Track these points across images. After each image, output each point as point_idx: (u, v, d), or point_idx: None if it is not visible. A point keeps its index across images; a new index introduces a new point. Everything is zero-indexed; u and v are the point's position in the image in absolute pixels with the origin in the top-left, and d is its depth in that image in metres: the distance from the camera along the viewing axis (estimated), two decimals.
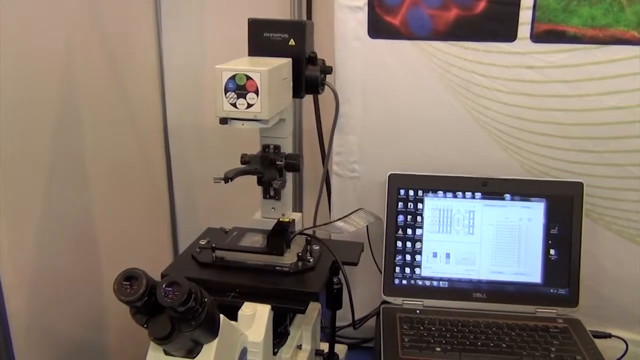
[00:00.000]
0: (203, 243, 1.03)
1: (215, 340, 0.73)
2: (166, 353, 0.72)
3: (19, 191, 0.97)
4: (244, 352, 0.83)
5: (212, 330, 0.72)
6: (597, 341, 0.99)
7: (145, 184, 1.44)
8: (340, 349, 1.20)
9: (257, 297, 0.89)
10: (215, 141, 1.50)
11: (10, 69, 0.92)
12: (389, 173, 1.09)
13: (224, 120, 0.91)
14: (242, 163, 1.03)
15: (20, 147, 0.97)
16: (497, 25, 1.04)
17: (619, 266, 1.11)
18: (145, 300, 0.64)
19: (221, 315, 0.74)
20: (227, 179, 0.92)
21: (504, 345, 0.96)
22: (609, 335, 1.06)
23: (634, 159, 1.06)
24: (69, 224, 1.12)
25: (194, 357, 0.72)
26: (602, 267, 1.11)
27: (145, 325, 0.67)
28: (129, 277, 0.64)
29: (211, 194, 1.52)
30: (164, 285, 0.63)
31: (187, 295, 0.63)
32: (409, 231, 1.09)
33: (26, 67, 0.98)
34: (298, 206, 1.45)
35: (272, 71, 0.89)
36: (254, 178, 1.03)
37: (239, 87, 0.88)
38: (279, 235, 0.99)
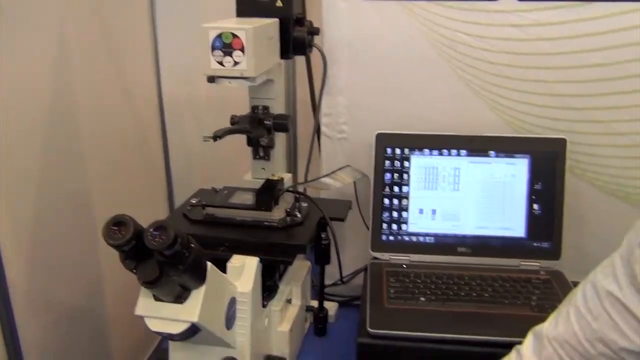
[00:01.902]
0: (194, 202, 1.06)
1: (203, 287, 0.76)
2: (156, 299, 0.75)
3: (17, 160, 0.99)
4: (232, 302, 0.86)
5: (200, 276, 0.75)
6: None
7: (142, 155, 1.46)
8: (331, 306, 1.24)
9: (246, 250, 0.92)
10: (210, 112, 1.51)
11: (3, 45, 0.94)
12: (376, 132, 1.11)
13: (211, 79, 0.93)
14: (231, 124, 1.05)
15: (17, 119, 0.98)
16: None
17: (601, 220, 1.14)
18: (133, 245, 0.67)
19: (208, 263, 0.77)
20: (216, 137, 0.94)
21: (486, 295, 0.99)
22: None
23: (617, 116, 1.08)
24: (66, 193, 1.13)
25: (183, 302, 0.75)
26: (585, 221, 1.14)
27: (134, 270, 0.70)
28: (118, 223, 0.67)
29: (207, 164, 1.54)
30: (151, 229, 0.66)
31: (173, 239, 0.66)
32: (396, 189, 1.11)
33: (19, 42, 0.99)
34: (293, 169, 1.47)
35: (257, 29, 0.91)
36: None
37: (225, 45, 0.90)
38: (267, 192, 1.01)
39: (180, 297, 0.75)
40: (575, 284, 1.04)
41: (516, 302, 0.97)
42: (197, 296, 0.75)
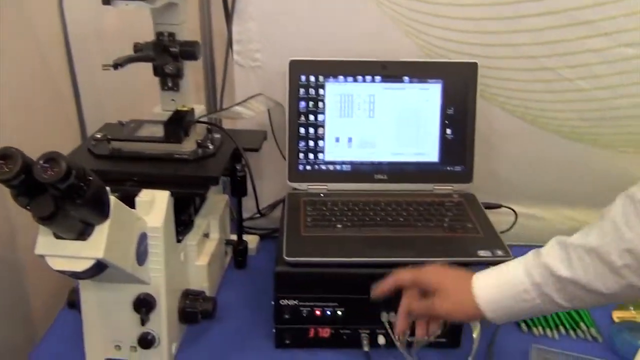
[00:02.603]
0: (99, 136, 1.00)
1: (107, 222, 0.72)
2: (57, 237, 0.71)
3: None
4: (143, 237, 0.83)
5: (102, 210, 0.71)
6: (489, 212, 1.06)
7: (50, 93, 1.36)
8: (252, 240, 1.23)
9: (156, 184, 0.89)
10: (119, 45, 1.41)
11: None
12: (289, 59, 1.08)
13: (106, 1, 0.87)
14: (134, 52, 0.99)
15: None
16: None
17: (511, 143, 1.17)
18: (24, 180, 0.62)
19: (112, 197, 0.73)
20: (117, 65, 0.89)
21: (401, 219, 1.01)
22: (499, 206, 1.13)
23: (525, 39, 1.09)
24: None
25: (86, 239, 0.71)
26: (496, 144, 1.17)
27: (28, 207, 0.65)
28: (4, 156, 0.61)
29: (121, 100, 1.45)
30: (40, 162, 0.61)
31: (66, 171, 0.61)
32: (311, 117, 1.09)
33: None
34: (212, 101, 1.41)
35: None
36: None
37: None
38: (176, 124, 0.97)
39: (83, 234, 0.71)
40: (487, 205, 1.09)
41: (429, 224, 1.00)
42: (101, 232, 0.71)
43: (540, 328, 1.02)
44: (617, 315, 1.05)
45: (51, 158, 0.61)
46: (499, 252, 0.92)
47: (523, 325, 1.02)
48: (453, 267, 0.83)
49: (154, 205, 0.85)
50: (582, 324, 1.02)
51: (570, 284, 0.71)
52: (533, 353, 0.95)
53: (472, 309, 0.77)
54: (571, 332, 1.02)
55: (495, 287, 0.76)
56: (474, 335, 0.96)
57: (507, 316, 0.77)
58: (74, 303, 0.90)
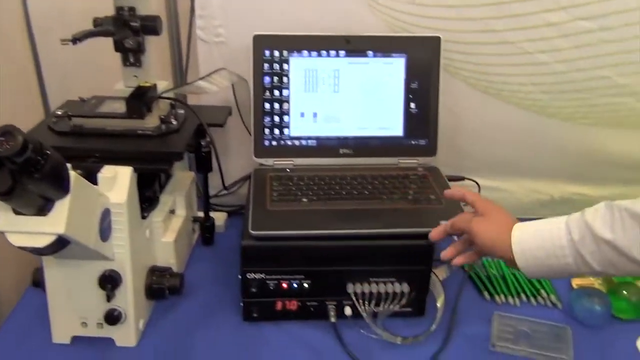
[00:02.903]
0: (60, 113, 0.98)
1: (68, 197, 0.71)
2: (16, 212, 0.70)
3: None
4: (106, 213, 0.83)
5: (61, 185, 0.70)
6: (452, 184, 1.07)
7: (11, 71, 1.32)
8: (220, 217, 1.23)
9: (119, 160, 0.88)
10: (82, 22, 1.38)
11: None
12: (253, 34, 1.07)
13: None
14: (94, 27, 0.97)
15: None
16: None
17: (474, 117, 1.19)
18: None
19: (72, 172, 0.72)
20: (75, 39, 0.88)
21: (366, 192, 1.02)
22: (462, 178, 1.16)
23: (490, 12, 1.10)
24: None
25: (46, 214, 0.71)
26: (459, 118, 1.19)
27: None
28: None
29: (84, 78, 1.42)
30: None
31: (22, 144, 0.61)
32: (276, 92, 1.09)
33: None
34: (178, 78, 1.39)
35: None
36: None
37: None
38: (138, 99, 0.96)
39: (43, 210, 0.70)
40: (450, 177, 1.11)
41: (394, 196, 1.01)
42: (62, 207, 0.71)
43: (502, 296, 1.04)
44: (576, 282, 1.08)
45: (7, 131, 0.61)
46: None
47: (486, 294, 1.05)
48: (499, 211, 0.84)
49: (117, 182, 0.85)
50: (542, 291, 1.05)
51: (607, 245, 0.70)
52: (495, 319, 0.97)
53: (505, 251, 0.77)
54: (532, 299, 1.05)
55: (532, 237, 0.76)
56: (438, 304, 0.99)
57: (538, 269, 0.76)
58: (38, 282, 0.89)
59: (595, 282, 1.06)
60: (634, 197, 0.70)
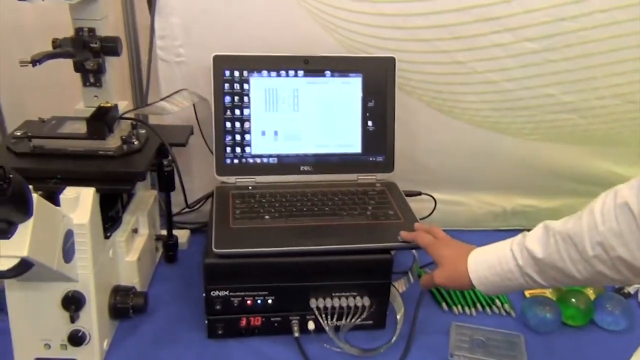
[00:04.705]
0: (19, 134, 0.98)
1: (31, 220, 0.72)
2: None
3: None
4: (69, 234, 0.83)
5: (24, 209, 0.71)
6: (410, 200, 1.11)
7: None
8: (183, 234, 1.24)
9: (81, 181, 0.88)
10: (40, 42, 1.37)
11: None
12: (213, 54, 1.09)
13: None
14: (53, 48, 0.97)
15: None
16: None
17: (430, 133, 1.24)
18: None
19: (35, 195, 0.73)
20: (34, 61, 0.88)
21: (326, 209, 1.05)
22: (419, 193, 1.19)
23: (439, 34, 1.15)
24: None
25: (9, 238, 0.71)
26: (415, 135, 1.23)
27: None
28: None
29: (42, 98, 1.41)
30: None
31: None
32: (237, 111, 1.11)
33: None
34: (139, 97, 1.39)
35: None
36: None
37: None
38: (99, 120, 0.97)
39: (6, 233, 0.71)
40: (408, 192, 1.14)
41: (353, 212, 1.04)
42: (25, 230, 0.71)
43: (459, 306, 1.08)
44: (528, 291, 1.13)
45: None
46: None
47: (444, 305, 1.08)
48: (457, 242, 0.92)
49: (79, 202, 0.85)
50: (497, 301, 1.10)
51: (547, 266, 0.76)
52: (452, 329, 1.01)
53: (467, 283, 0.84)
54: (487, 308, 1.09)
55: (486, 266, 0.83)
56: (398, 317, 1.02)
57: (497, 290, 0.84)
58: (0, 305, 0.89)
59: (547, 291, 1.11)
60: (582, 208, 0.74)
